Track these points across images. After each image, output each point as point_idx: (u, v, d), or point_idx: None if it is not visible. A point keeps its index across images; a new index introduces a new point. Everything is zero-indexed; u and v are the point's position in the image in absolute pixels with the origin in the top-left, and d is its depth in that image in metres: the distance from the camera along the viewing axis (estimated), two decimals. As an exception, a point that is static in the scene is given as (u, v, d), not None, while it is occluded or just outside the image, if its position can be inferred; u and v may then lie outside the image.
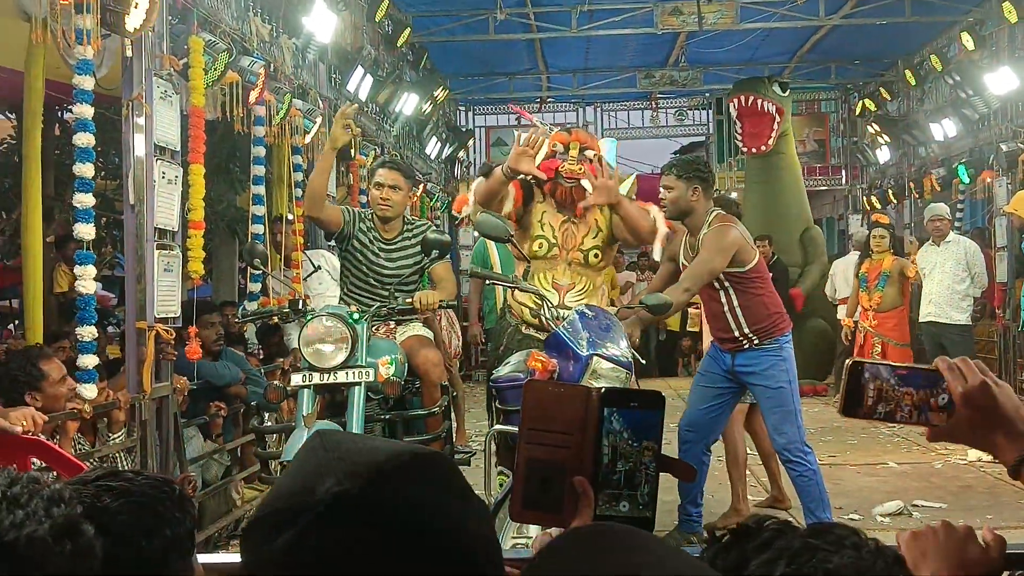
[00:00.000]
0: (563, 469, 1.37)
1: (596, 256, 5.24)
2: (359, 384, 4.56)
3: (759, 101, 12.52)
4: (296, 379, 4.61)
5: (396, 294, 5.05)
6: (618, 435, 1.37)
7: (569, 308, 5.01)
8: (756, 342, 5.31)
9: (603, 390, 1.40)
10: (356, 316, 4.66)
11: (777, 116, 12.67)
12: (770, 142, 12.67)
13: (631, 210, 5.06)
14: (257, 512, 1.09)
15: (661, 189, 5.32)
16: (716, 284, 5.26)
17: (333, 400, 4.78)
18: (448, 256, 5.25)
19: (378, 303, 5.00)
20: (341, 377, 4.55)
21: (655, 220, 5.19)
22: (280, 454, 4.70)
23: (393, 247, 5.35)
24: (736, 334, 5.31)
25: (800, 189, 13.29)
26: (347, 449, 1.09)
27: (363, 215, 5.45)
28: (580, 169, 5.08)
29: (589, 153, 5.14)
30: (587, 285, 5.21)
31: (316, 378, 4.54)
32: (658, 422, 1.39)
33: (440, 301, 4.96)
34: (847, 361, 1.54)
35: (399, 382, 4.77)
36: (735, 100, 12.82)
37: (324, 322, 4.60)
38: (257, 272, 7.02)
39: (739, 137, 13.09)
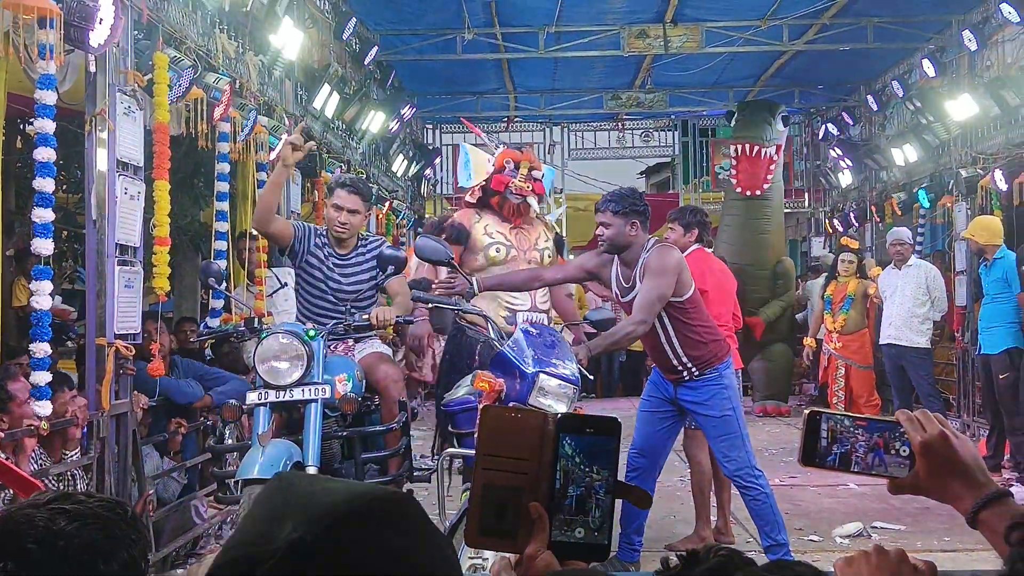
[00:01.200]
0: (519, 495, 1.37)
1: (550, 256, 5.95)
2: (315, 401, 4.55)
3: (761, 150, 12.31)
4: (252, 397, 4.59)
5: (352, 310, 5.05)
6: (572, 461, 1.37)
7: (540, 311, 5.73)
8: (696, 373, 5.25)
9: (558, 416, 1.41)
10: (312, 333, 4.66)
11: (775, 156, 12.51)
12: (765, 186, 12.48)
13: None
14: (217, 559, 1.07)
15: (599, 226, 5.23)
16: None
17: (290, 418, 4.76)
18: (403, 271, 5.29)
19: (334, 320, 5.03)
20: (297, 394, 4.54)
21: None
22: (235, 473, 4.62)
23: (347, 263, 5.34)
24: (675, 363, 5.25)
25: (781, 218, 13.20)
26: (305, 493, 1.06)
27: (317, 230, 5.45)
28: (528, 187, 5.83)
29: (536, 173, 5.90)
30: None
31: (272, 396, 4.54)
32: (613, 448, 1.39)
33: (397, 316, 4.99)
34: (804, 411, 1.57)
35: (356, 399, 4.78)
36: (738, 146, 12.53)
37: (280, 339, 4.59)
38: (219, 289, 7.00)
39: (734, 179, 12.78)
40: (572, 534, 1.37)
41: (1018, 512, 1.40)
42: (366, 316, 4.97)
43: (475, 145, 6.43)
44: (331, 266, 5.32)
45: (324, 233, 5.39)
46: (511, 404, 4.25)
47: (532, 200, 5.86)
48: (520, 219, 5.91)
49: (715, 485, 6.18)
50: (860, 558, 1.41)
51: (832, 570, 1.43)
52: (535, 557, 1.34)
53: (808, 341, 10.53)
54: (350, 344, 5.24)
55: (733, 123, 13.04)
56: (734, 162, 12.77)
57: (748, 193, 12.56)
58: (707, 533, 6.00)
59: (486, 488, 1.38)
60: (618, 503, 1.41)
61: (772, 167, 12.53)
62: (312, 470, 4.40)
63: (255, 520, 1.06)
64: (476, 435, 1.42)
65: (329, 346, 4.91)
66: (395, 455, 5.08)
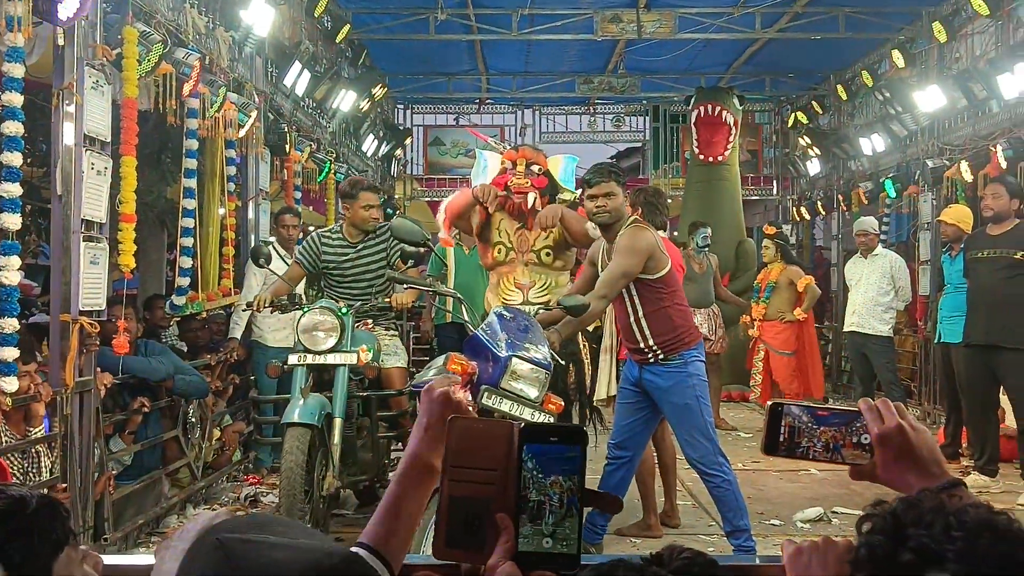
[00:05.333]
0: (487, 506, 1.36)
1: (548, 255, 5.91)
2: (344, 366, 5.57)
3: (723, 112, 12.86)
4: (293, 358, 5.60)
5: (376, 293, 6.23)
6: (538, 470, 1.36)
7: (534, 304, 5.71)
8: (661, 357, 5.16)
9: (523, 425, 1.40)
10: (344, 310, 5.74)
11: (733, 128, 13.09)
12: (726, 153, 13.06)
13: (570, 219, 5.80)
14: None
15: (600, 197, 5.15)
16: (623, 292, 5.14)
17: (320, 378, 5.67)
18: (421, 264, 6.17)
19: (358, 299, 6.16)
20: (331, 359, 5.58)
21: (588, 226, 5.57)
22: (279, 419, 5.61)
23: (360, 250, 6.40)
24: (641, 344, 5.18)
25: (738, 201, 13.57)
26: (252, 565, 1.05)
27: (324, 235, 6.54)
28: (527, 183, 5.85)
29: (535, 168, 5.93)
30: (548, 282, 5.90)
31: (309, 359, 5.56)
32: (579, 456, 1.39)
33: (412, 302, 6.19)
34: (768, 402, 1.60)
35: (376, 367, 5.95)
36: (699, 108, 13.08)
37: (318, 314, 5.63)
38: (186, 268, 7.07)
39: (696, 145, 13.25)
40: (540, 544, 1.35)
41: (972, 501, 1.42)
42: (388, 300, 6.09)
43: (489, 150, 6.45)
44: (345, 252, 6.41)
45: (339, 229, 6.52)
46: (472, 393, 4.28)
47: (532, 195, 5.82)
48: (532, 216, 5.89)
49: (660, 468, 6.21)
50: (809, 549, 1.42)
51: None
52: (496, 568, 1.33)
53: (744, 318, 10.63)
54: (369, 324, 6.30)
55: (692, 103, 13.49)
56: (695, 130, 13.22)
57: (710, 159, 13.06)
58: (653, 520, 6.03)
59: (453, 500, 1.37)
60: None
61: (731, 137, 13.07)
62: (339, 422, 5.48)
63: None
64: (444, 446, 1.41)
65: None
66: (403, 415, 6.11)
